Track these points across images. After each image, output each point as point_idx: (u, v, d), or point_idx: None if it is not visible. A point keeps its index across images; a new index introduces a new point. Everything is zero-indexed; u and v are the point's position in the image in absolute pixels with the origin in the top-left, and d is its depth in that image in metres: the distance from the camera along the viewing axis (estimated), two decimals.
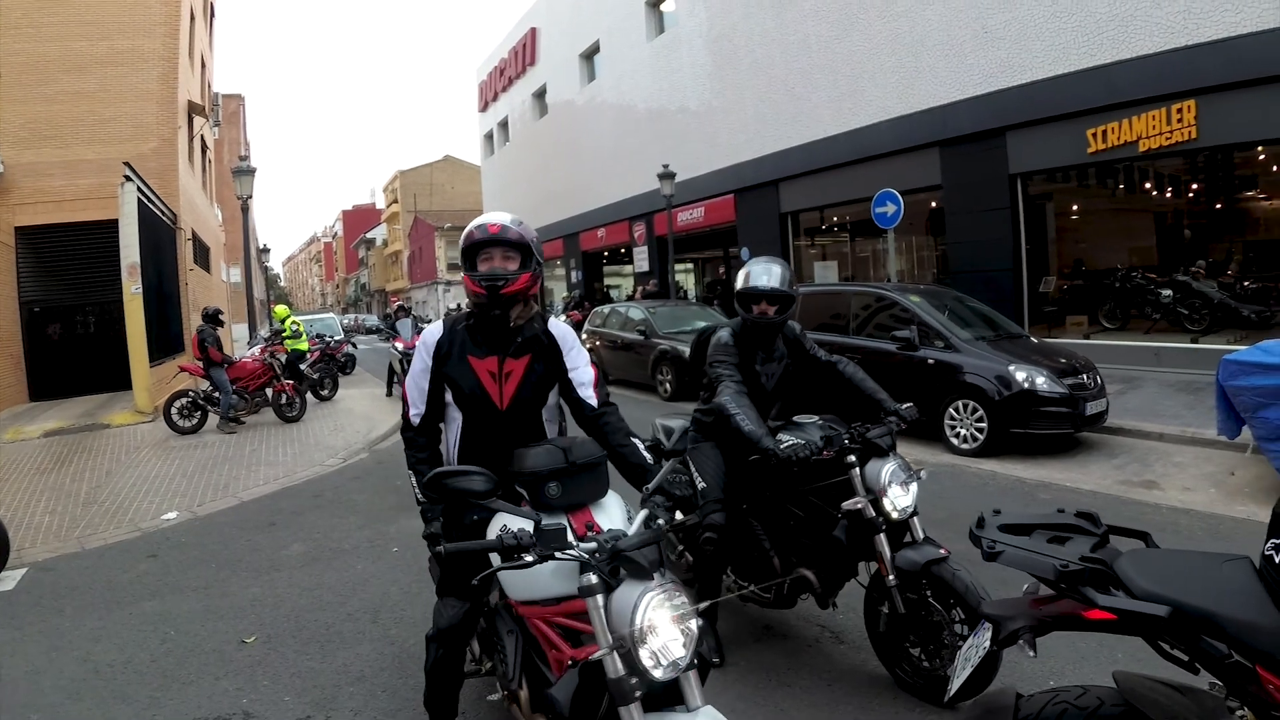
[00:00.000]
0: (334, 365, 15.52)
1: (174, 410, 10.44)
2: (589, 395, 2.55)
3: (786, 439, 3.11)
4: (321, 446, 9.35)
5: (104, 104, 15.10)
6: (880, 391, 3.37)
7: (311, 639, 3.98)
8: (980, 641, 1.82)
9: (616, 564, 1.86)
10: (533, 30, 28.23)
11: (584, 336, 15.55)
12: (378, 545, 5.53)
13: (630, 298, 20.72)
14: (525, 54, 28.95)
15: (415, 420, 2.56)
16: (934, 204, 13.64)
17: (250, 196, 12.89)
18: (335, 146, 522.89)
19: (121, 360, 12.58)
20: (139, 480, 7.88)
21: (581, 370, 2.58)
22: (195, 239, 19.03)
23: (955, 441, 7.47)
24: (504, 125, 32.66)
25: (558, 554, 1.86)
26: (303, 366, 13.08)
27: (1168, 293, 11.20)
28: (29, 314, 14.74)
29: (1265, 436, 5.62)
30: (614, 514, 2.27)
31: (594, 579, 1.86)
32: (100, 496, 7.29)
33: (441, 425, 2.64)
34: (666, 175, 16.26)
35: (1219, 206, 11.97)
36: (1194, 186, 12.07)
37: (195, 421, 10.54)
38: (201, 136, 21.36)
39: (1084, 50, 10.71)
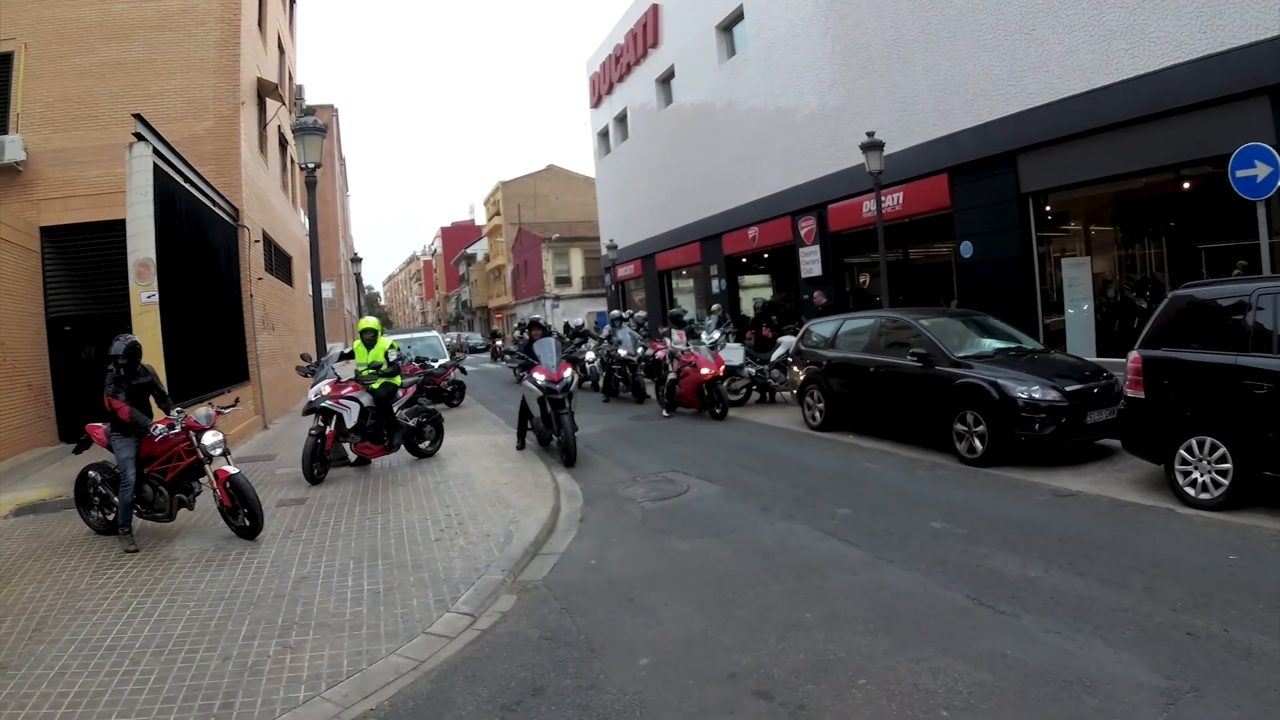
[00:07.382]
0: (436, 406, 12.00)
1: (92, 495, 6.60)
2: None
3: None
4: (421, 575, 5.17)
5: (150, 76, 12.21)
6: None
7: None
8: None
9: None
10: (654, 7, 24.49)
11: (790, 359, 11.66)
12: None
13: (773, 312, 16.46)
14: (646, 35, 25.21)
15: None
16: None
17: (318, 165, 9.37)
18: (432, 163, 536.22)
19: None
20: (76, 649, 4.22)
21: None
22: (269, 244, 15.98)
23: None
24: (621, 120, 29.04)
25: None
26: (396, 408, 9.30)
27: None
28: (58, 334, 11.77)
29: None
30: None
31: None
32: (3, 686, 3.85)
33: None
34: (873, 145, 11.87)
35: None
36: None
37: (114, 515, 6.35)
38: (280, 131, 18.41)
39: None
